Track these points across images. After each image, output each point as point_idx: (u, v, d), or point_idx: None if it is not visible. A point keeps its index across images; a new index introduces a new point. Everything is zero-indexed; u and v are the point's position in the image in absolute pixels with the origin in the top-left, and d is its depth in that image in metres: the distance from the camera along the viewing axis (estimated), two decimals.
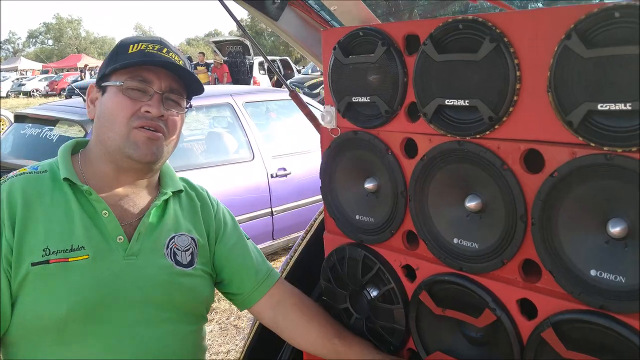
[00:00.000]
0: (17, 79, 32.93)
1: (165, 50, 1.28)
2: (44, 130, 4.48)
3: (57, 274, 1.15)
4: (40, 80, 30.94)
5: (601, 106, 0.88)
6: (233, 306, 3.54)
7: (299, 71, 17.76)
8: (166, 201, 1.34)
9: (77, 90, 5.81)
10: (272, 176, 4.75)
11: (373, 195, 1.31)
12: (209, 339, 3.81)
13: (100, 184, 1.27)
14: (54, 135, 4.38)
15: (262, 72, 16.41)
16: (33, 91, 29.05)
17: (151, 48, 1.27)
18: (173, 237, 1.30)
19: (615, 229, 0.91)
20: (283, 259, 5.14)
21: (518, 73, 0.99)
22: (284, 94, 5.84)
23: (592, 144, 0.91)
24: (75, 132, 4.29)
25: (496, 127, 1.04)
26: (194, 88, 1.33)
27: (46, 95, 27.73)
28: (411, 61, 1.15)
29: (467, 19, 1.04)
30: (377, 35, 1.19)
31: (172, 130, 1.28)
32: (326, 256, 1.42)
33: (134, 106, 1.22)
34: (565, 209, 0.97)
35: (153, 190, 1.36)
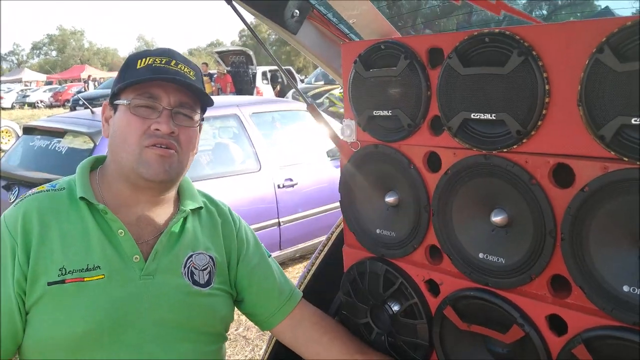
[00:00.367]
0: (22, 90, 33.06)
1: (173, 62, 1.25)
2: (53, 142, 4.48)
3: (73, 293, 1.14)
4: (44, 91, 31.05)
5: (635, 120, 0.87)
6: (242, 317, 3.52)
7: (302, 81, 17.80)
8: (185, 218, 1.31)
9: (83, 100, 5.82)
10: (278, 187, 4.74)
11: (394, 209, 1.29)
12: None
13: (117, 202, 1.25)
14: (62, 147, 4.38)
15: (265, 81, 16.45)
16: (37, 102, 29.15)
17: (159, 62, 1.24)
18: (191, 256, 1.28)
19: None
20: (291, 269, 5.13)
21: (547, 86, 0.98)
22: (290, 104, 5.85)
23: (625, 159, 0.90)
24: (83, 144, 4.29)
25: (524, 141, 1.02)
26: (205, 99, 1.30)
27: (50, 106, 27.82)
28: (434, 74, 1.14)
29: (494, 32, 1.03)
30: (399, 48, 1.18)
31: (186, 145, 1.25)
32: (346, 270, 1.41)
33: (144, 124, 1.20)
34: (596, 224, 0.96)
35: (171, 207, 1.33)
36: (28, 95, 30.55)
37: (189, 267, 1.26)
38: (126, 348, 1.16)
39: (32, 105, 28.93)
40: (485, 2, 1.28)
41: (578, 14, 1.52)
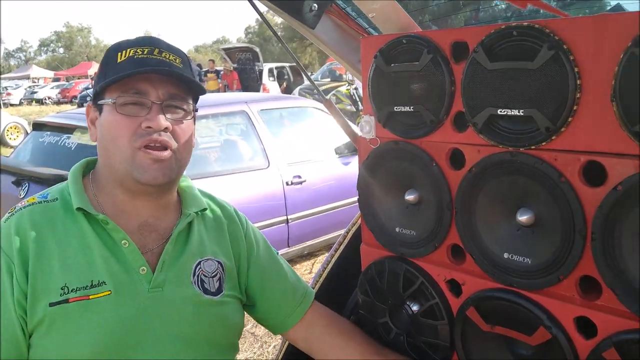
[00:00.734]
0: (30, 86, 33.18)
1: (157, 51, 1.14)
2: (62, 138, 4.47)
3: (78, 313, 1.05)
4: (52, 87, 31.16)
5: None
6: None
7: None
8: (189, 223, 1.23)
9: (91, 96, 5.82)
10: (287, 184, 4.72)
11: (414, 207, 1.26)
12: None
13: (116, 210, 1.16)
14: (72, 143, 4.37)
15: (271, 78, 16.43)
16: (45, 99, 29.26)
17: (141, 53, 1.13)
18: (199, 263, 1.21)
19: None
20: (299, 266, 5.11)
21: (579, 81, 0.95)
22: (298, 101, 5.82)
23: None
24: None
25: (553, 137, 0.99)
26: (196, 88, 1.20)
27: (58, 102, 27.93)
28: (458, 69, 1.11)
29: (522, 26, 1.00)
30: (422, 42, 1.15)
31: (182, 139, 1.16)
32: (364, 269, 1.38)
33: (133, 123, 1.11)
34: (629, 224, 0.92)
35: (173, 211, 1.24)
36: (36, 92, 30.67)
37: (198, 275, 1.19)
38: None
39: (40, 102, 29.06)
40: None
41: (587, 10, 1.49)
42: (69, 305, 1.05)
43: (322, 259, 5.27)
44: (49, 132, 4.70)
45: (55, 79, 38.85)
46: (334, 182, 5.01)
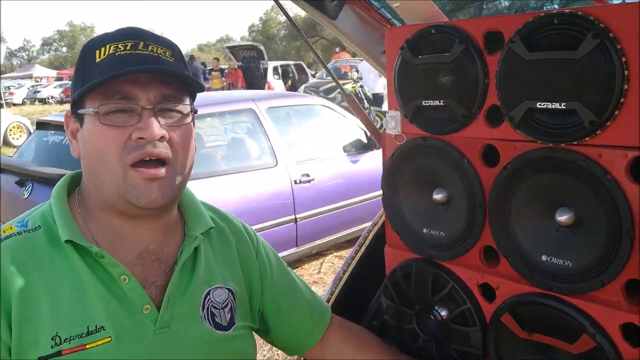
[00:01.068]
0: (33, 86, 33.17)
1: (142, 45, 0.96)
2: (66, 138, 4.41)
3: None
4: (55, 87, 31.14)
5: None
6: None
7: (313, 76, 17.68)
8: (196, 248, 1.08)
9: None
10: (295, 182, 4.66)
11: (443, 207, 1.20)
12: None
13: (110, 238, 1.00)
14: None
15: (276, 76, 16.37)
16: (48, 98, 29.25)
17: (123, 48, 0.95)
18: (209, 292, 1.07)
19: None
20: (307, 266, 5.05)
21: (626, 72, 0.88)
22: (305, 98, 5.77)
23: None
24: None
25: (598, 132, 0.93)
26: (192, 84, 1.03)
27: (61, 102, 27.88)
28: (492, 60, 1.05)
29: (564, 13, 0.93)
30: (453, 32, 1.08)
31: (182, 147, 1.00)
32: (388, 272, 1.32)
33: (122, 135, 0.94)
34: None
35: (176, 232, 1.09)
36: (39, 91, 30.67)
37: (208, 308, 1.05)
38: None
39: (43, 101, 29.06)
40: None
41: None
42: (62, 359, 0.90)
43: (330, 258, 5.21)
44: (52, 132, 4.64)
45: (58, 78, 38.79)
46: (343, 181, 4.95)
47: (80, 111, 0.97)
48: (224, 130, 5.18)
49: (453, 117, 1.12)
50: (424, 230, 1.23)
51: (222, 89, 14.64)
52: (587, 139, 0.94)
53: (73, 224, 0.98)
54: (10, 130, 13.10)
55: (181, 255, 1.04)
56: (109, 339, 0.93)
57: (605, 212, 0.94)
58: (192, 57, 17.03)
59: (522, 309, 1.08)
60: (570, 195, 1.00)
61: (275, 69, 16.41)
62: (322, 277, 4.82)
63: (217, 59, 17.87)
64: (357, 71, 10.95)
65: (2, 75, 34.26)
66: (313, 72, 19.18)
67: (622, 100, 0.89)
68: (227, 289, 1.10)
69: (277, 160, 4.63)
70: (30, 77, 39.62)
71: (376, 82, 10.61)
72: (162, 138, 0.95)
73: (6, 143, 12.61)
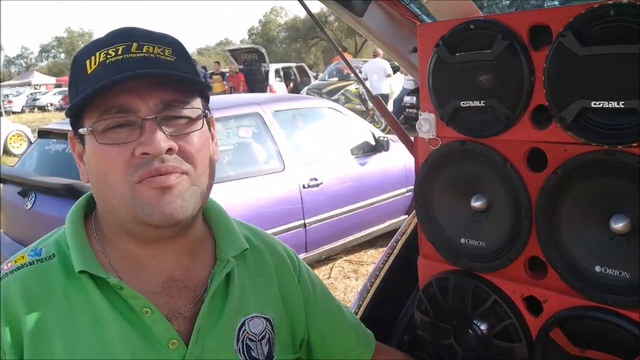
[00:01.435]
0: (32, 93, 33.09)
1: (135, 46, 0.85)
2: (69, 146, 4.33)
3: None
4: (54, 94, 31.06)
5: None
6: None
7: (315, 77, 17.59)
8: (228, 273, 0.97)
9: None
10: (303, 187, 4.58)
11: (482, 215, 1.12)
12: None
13: (129, 266, 0.91)
14: None
15: (277, 79, 16.29)
16: (48, 105, 29.17)
17: (114, 53, 0.84)
18: (244, 323, 0.96)
19: None
20: (317, 271, 4.97)
21: None
22: (311, 101, 5.69)
23: None
24: None
25: None
26: (198, 83, 0.91)
27: (61, 109, 27.78)
28: (539, 57, 0.97)
29: (621, 4, 0.86)
30: (495, 27, 1.01)
31: (194, 156, 0.88)
32: (422, 285, 1.24)
33: (124, 153, 0.83)
34: None
35: (203, 254, 0.98)
36: (38, 99, 30.60)
37: (243, 340, 0.95)
38: None
39: (43, 109, 28.98)
40: None
41: None
42: None
43: (340, 263, 5.13)
44: (54, 140, 4.54)
45: (57, 85, 38.73)
46: (351, 184, 4.87)
47: (80, 131, 0.87)
48: (229, 134, 5.10)
49: (495, 119, 1.05)
50: (462, 240, 1.15)
51: (224, 92, 14.56)
52: None
53: (89, 252, 0.89)
54: (11, 139, 13.01)
55: (212, 283, 0.94)
56: None
57: None
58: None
59: (573, 324, 1.00)
60: (627, 201, 0.92)
61: (277, 71, 16.31)
62: (332, 283, 4.74)
63: (218, 63, 17.79)
64: (361, 72, 10.88)
65: (0, 83, 34.17)
66: (315, 74, 19.10)
67: None
68: (265, 318, 1.00)
69: (284, 165, 4.55)
70: (28, 84, 39.59)
71: (380, 82, 10.54)
72: (170, 150, 0.84)
73: (7, 152, 12.52)
